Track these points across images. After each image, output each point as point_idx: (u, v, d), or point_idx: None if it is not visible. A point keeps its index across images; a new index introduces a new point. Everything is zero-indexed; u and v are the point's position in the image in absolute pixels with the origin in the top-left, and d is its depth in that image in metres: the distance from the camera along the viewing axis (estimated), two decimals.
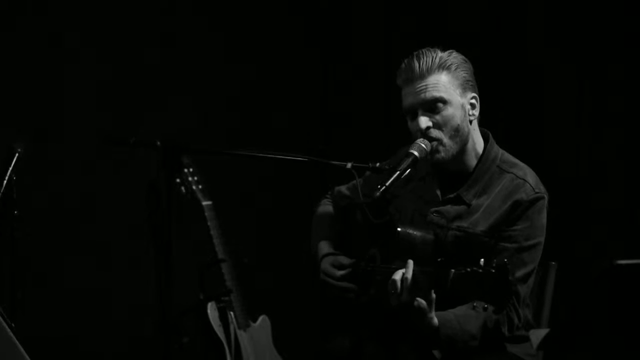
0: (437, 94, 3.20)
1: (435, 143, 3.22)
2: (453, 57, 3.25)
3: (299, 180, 5.09)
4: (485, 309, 2.87)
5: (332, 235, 3.51)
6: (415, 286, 2.97)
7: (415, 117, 3.25)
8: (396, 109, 5.18)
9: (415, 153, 3.21)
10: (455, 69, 3.23)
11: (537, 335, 3.09)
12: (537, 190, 3.22)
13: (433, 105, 3.21)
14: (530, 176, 3.25)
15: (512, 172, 3.25)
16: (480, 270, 2.81)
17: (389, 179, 3.14)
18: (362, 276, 3.28)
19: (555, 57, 4.92)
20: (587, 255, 4.79)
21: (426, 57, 3.23)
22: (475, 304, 2.93)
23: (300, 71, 5.38)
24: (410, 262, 2.98)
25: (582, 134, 4.85)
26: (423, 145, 3.22)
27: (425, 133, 3.22)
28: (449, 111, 3.21)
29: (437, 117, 3.22)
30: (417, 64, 3.22)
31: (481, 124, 3.35)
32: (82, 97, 4.88)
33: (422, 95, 3.21)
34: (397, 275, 2.99)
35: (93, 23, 4.90)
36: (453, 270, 2.86)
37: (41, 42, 4.81)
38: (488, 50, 4.99)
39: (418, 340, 3.15)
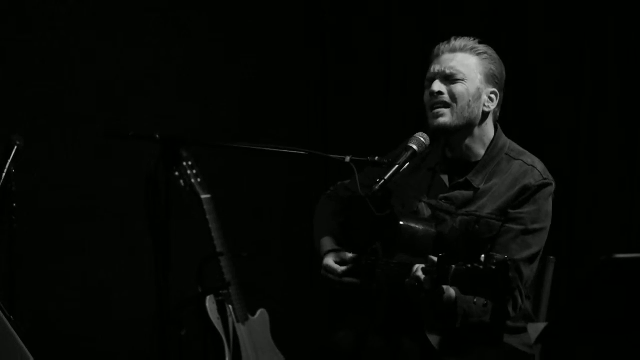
0: (459, 69, 3.28)
1: (440, 106, 3.26)
2: (488, 49, 3.33)
3: (299, 173, 5.09)
4: (485, 305, 2.88)
5: (334, 230, 3.52)
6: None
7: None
8: (396, 109, 5.20)
9: (414, 147, 3.23)
10: (485, 58, 3.31)
11: (536, 329, 3.10)
12: (545, 177, 3.28)
13: (451, 78, 3.28)
14: (539, 163, 3.31)
15: (520, 159, 3.31)
16: (481, 267, 2.81)
17: (387, 173, 3.15)
18: (364, 270, 3.28)
19: (554, 56, 4.92)
20: (586, 249, 4.79)
21: (464, 39, 3.32)
22: (475, 300, 2.93)
23: (300, 71, 5.37)
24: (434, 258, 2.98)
25: (581, 128, 4.86)
26: (422, 139, 3.23)
27: (436, 96, 3.27)
28: (463, 87, 3.27)
29: (452, 87, 3.28)
30: (453, 41, 3.32)
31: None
32: (82, 94, 4.88)
33: (445, 65, 3.29)
34: (420, 272, 3.01)
35: (93, 22, 4.90)
36: (454, 267, 2.86)
37: (41, 41, 4.81)
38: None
39: (420, 331, 3.17)
